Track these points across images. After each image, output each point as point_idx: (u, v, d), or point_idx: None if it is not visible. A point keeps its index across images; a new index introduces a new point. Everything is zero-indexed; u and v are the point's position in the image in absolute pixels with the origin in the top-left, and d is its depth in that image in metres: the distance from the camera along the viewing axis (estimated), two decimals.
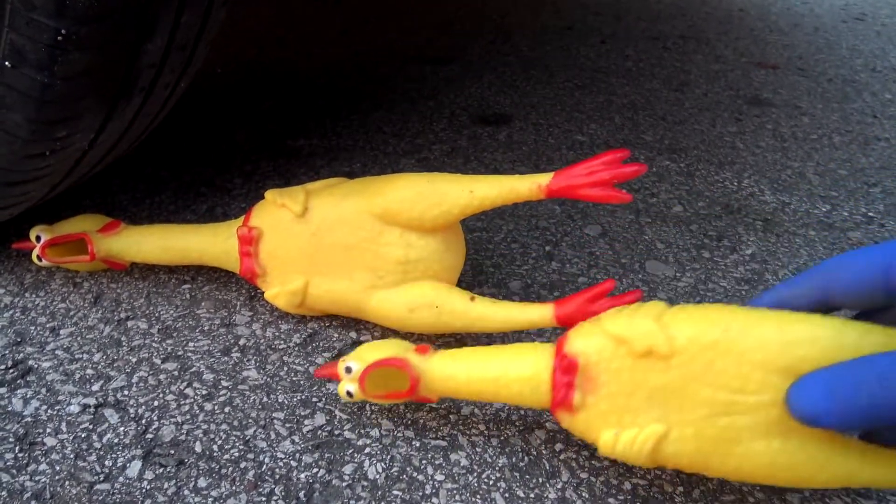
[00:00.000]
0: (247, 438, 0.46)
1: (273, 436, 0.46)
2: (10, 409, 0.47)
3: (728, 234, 0.70)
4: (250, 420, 0.47)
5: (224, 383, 0.50)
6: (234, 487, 0.42)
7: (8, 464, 0.43)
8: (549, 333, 0.55)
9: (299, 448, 0.45)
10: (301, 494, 0.42)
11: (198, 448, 0.45)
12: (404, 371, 0.43)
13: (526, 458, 0.45)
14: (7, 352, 0.52)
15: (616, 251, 0.67)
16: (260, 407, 0.48)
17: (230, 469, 0.44)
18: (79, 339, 0.53)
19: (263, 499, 0.42)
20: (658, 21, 1.47)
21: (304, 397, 0.49)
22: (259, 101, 0.98)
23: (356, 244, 0.51)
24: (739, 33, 1.40)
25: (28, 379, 0.50)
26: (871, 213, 0.75)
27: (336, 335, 0.55)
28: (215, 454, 0.44)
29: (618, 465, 0.45)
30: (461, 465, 0.44)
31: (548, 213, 0.72)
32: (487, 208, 0.49)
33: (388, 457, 0.45)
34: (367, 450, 0.45)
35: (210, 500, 0.42)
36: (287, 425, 0.47)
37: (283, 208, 0.52)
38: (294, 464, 0.44)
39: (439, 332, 0.52)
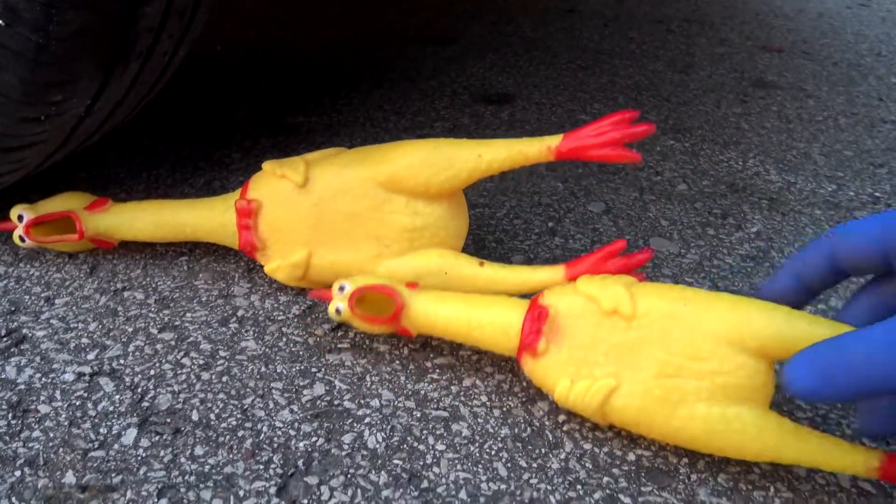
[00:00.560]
0: (244, 408, 0.45)
1: (271, 405, 0.45)
2: (3, 376, 0.46)
3: (733, 213, 0.69)
4: (248, 389, 0.46)
5: (222, 353, 0.49)
6: (231, 455, 0.42)
7: (1, 431, 0.42)
8: None
9: (298, 417, 0.44)
10: (300, 463, 0.41)
11: (195, 417, 0.44)
12: (392, 297, 0.45)
13: (528, 428, 0.44)
14: (0, 320, 0.51)
15: (620, 228, 0.66)
16: (258, 377, 0.47)
17: (227, 437, 0.43)
18: (74, 308, 0.52)
19: (261, 467, 0.41)
20: (662, 4, 1.45)
21: (303, 367, 0.48)
22: (258, 80, 0.97)
23: (361, 213, 0.50)
24: (744, 17, 1.39)
25: (22, 347, 0.49)
26: (877, 194, 0.74)
27: None
28: (212, 423, 0.44)
29: (622, 437, 0.44)
30: (463, 435, 0.44)
31: (551, 190, 0.71)
32: (495, 172, 0.48)
33: (389, 427, 0.44)
34: (367, 420, 0.44)
35: (207, 467, 0.41)
36: (286, 395, 0.46)
37: (283, 179, 0.51)
38: (293, 433, 0.43)
39: None
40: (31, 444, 0.42)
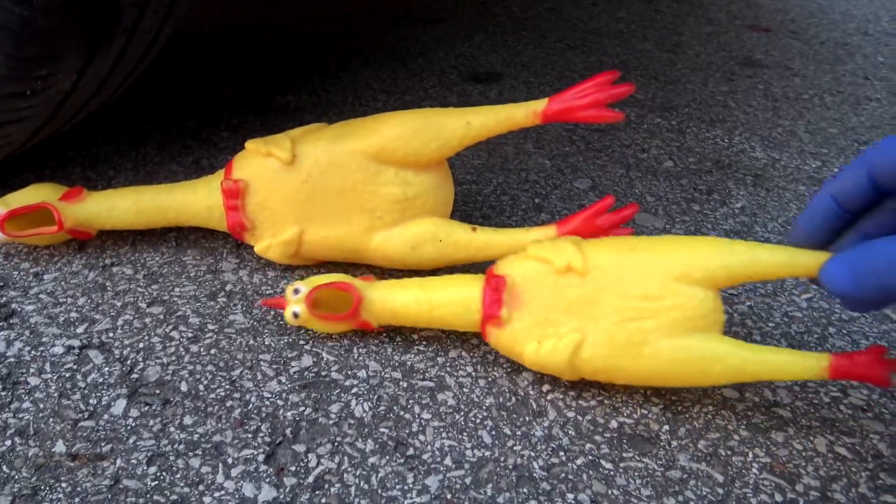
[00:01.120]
0: (233, 379, 0.45)
1: (259, 376, 0.46)
2: None
3: (718, 189, 0.70)
4: (236, 361, 0.47)
5: (210, 326, 0.49)
6: (220, 425, 0.42)
7: None
8: None
9: (286, 388, 0.45)
10: (287, 431, 0.42)
11: (183, 388, 0.45)
12: (349, 293, 0.46)
13: (513, 398, 0.45)
14: None
15: None
16: (246, 349, 0.48)
17: (216, 408, 0.43)
18: (63, 283, 0.53)
19: (250, 436, 0.42)
20: None
21: (290, 340, 0.49)
22: (246, 59, 0.97)
23: (351, 187, 0.50)
24: None
25: (11, 322, 0.49)
26: None
27: None
28: (201, 393, 0.44)
29: (604, 405, 0.45)
30: (448, 404, 0.44)
31: (538, 167, 0.72)
32: (484, 138, 0.49)
33: (375, 396, 0.45)
34: (354, 390, 0.45)
35: (196, 436, 0.41)
36: (274, 366, 0.46)
37: (270, 157, 0.51)
38: (280, 403, 0.44)
39: (442, 265, 0.52)
40: (21, 415, 0.42)
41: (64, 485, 0.38)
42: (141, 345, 0.48)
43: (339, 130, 0.51)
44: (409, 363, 0.47)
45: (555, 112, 0.47)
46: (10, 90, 0.48)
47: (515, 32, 1.12)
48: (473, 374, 0.47)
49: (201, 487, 0.39)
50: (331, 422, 0.43)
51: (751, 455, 0.42)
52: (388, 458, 0.41)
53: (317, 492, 0.39)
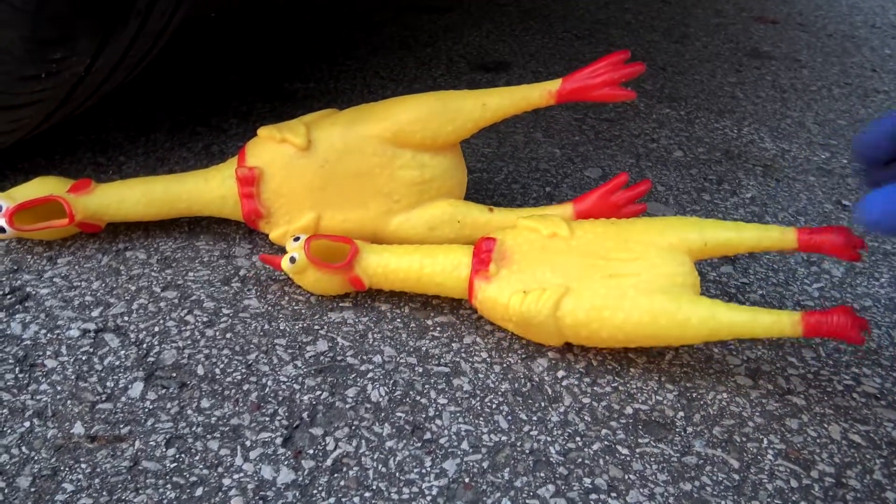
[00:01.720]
0: (249, 363, 0.45)
1: (275, 360, 0.46)
2: (8, 332, 0.47)
3: (728, 179, 0.70)
4: (252, 346, 0.47)
5: (225, 311, 0.50)
6: (237, 408, 0.42)
7: (8, 384, 0.43)
8: None
9: (302, 372, 0.45)
10: (304, 415, 0.42)
11: (200, 371, 0.45)
12: (348, 244, 0.48)
13: (528, 383, 0.45)
14: (4, 279, 0.51)
15: None
16: (262, 333, 0.48)
17: (233, 391, 0.43)
18: (76, 267, 0.53)
19: (267, 419, 0.42)
20: None
21: (306, 325, 0.49)
22: (254, 46, 0.96)
23: (369, 171, 0.50)
24: None
25: (26, 304, 0.49)
26: None
27: None
28: (217, 377, 0.44)
29: (619, 391, 0.45)
30: (464, 389, 0.45)
31: (548, 156, 0.72)
32: (499, 119, 0.50)
33: (391, 381, 0.45)
34: (370, 375, 0.45)
35: (213, 419, 0.41)
36: (289, 351, 0.47)
37: (284, 143, 0.51)
38: (297, 387, 0.44)
39: None
40: (38, 397, 0.42)
41: (84, 465, 0.38)
42: (156, 328, 0.48)
43: (353, 115, 0.51)
44: (424, 349, 0.47)
45: (569, 91, 0.48)
46: (25, 73, 0.48)
47: (523, 22, 1.12)
48: (488, 359, 0.47)
49: (220, 469, 0.39)
50: (347, 406, 0.43)
51: (766, 441, 0.42)
52: (405, 441, 0.41)
53: (335, 475, 0.39)
